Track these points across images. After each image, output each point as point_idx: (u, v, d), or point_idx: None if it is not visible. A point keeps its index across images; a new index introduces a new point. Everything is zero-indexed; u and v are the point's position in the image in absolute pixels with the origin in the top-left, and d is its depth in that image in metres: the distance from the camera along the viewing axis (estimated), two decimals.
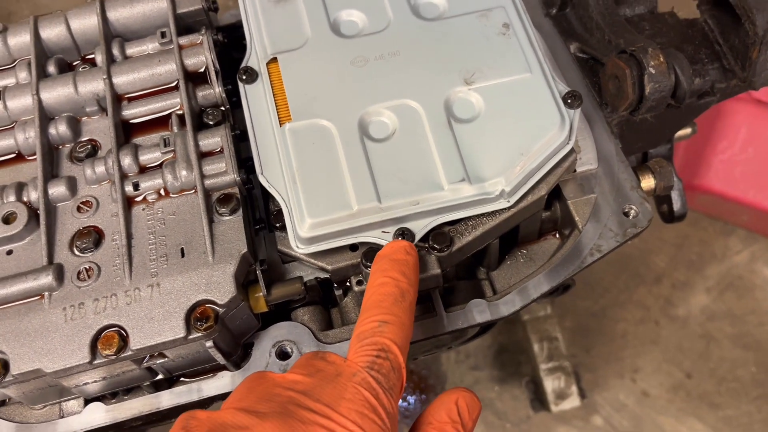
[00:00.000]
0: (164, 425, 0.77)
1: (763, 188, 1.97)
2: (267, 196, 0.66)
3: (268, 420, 0.43)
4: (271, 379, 0.48)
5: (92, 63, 0.70)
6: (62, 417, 0.61)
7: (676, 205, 0.91)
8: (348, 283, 0.64)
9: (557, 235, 0.72)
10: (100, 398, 0.62)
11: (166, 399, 0.61)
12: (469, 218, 0.62)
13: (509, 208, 0.62)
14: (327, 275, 0.63)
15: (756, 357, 2.02)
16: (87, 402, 0.62)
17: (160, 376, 0.61)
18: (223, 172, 0.62)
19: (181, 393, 0.61)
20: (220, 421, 0.44)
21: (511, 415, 1.92)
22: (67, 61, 0.71)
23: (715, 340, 2.06)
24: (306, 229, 0.59)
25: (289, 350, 0.62)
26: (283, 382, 0.48)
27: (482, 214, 0.62)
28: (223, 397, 0.61)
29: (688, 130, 0.92)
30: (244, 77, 0.66)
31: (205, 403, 0.62)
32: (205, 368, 0.62)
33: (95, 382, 0.58)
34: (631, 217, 0.66)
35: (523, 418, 1.94)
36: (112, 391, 0.61)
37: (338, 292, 0.65)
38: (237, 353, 0.62)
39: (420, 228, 0.60)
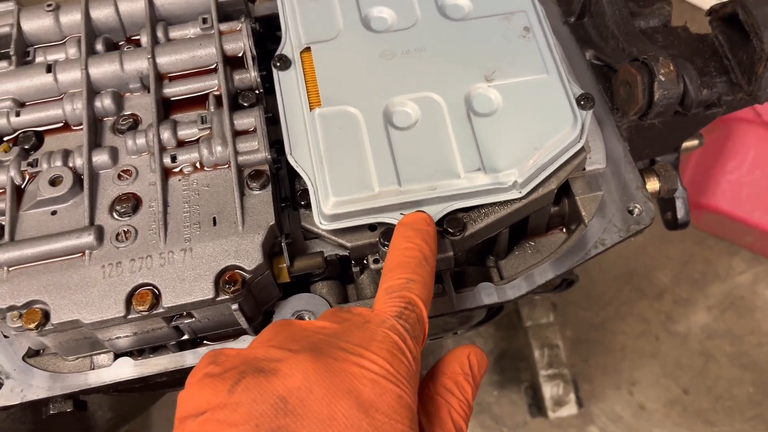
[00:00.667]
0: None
1: None
2: (293, 177, 0.71)
3: (301, 354, 0.47)
4: (298, 324, 0.52)
5: (136, 44, 0.75)
6: (93, 369, 0.66)
7: (680, 213, 0.95)
8: (365, 261, 0.68)
9: (564, 230, 0.76)
10: (128, 354, 0.66)
11: (190, 358, 0.65)
12: (482, 206, 0.66)
13: (520, 198, 0.66)
14: (346, 252, 0.67)
15: (753, 377, 2.04)
16: (116, 357, 0.66)
17: (185, 336, 0.65)
18: (255, 150, 0.66)
19: (204, 353, 0.66)
20: (251, 356, 0.48)
21: (508, 419, 1.95)
22: (113, 41, 0.75)
23: (714, 358, 2.08)
24: (330, 207, 0.63)
25: (307, 319, 0.66)
26: (311, 326, 0.51)
27: (495, 203, 0.66)
28: None
29: (695, 142, 0.96)
30: (278, 64, 0.71)
31: None
32: (227, 332, 0.67)
33: (126, 337, 0.63)
34: (635, 214, 0.70)
35: (520, 423, 1.97)
36: (140, 347, 0.66)
37: (355, 269, 0.70)
38: (258, 319, 0.66)
39: (436, 212, 0.64)
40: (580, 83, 0.77)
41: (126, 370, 0.65)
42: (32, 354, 0.66)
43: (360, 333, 0.49)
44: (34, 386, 0.64)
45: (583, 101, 0.68)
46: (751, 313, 2.16)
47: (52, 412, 0.65)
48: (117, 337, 0.62)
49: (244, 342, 0.66)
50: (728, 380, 2.05)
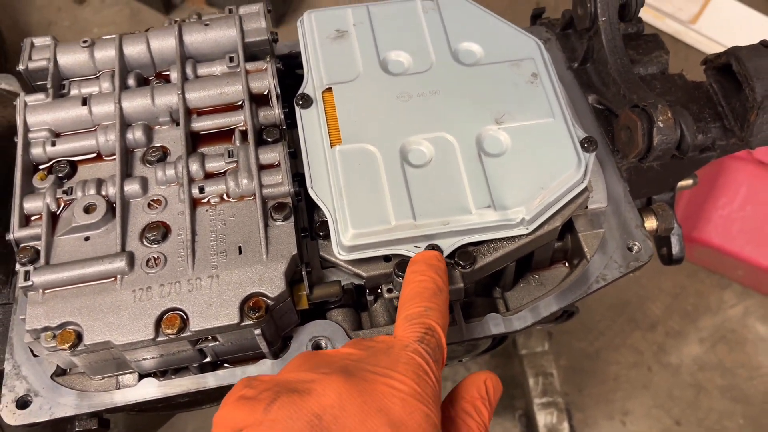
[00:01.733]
0: (202, 409, 0.84)
1: (759, 245, 2.05)
2: (312, 208, 0.75)
3: (333, 375, 0.50)
4: (324, 353, 0.55)
5: (166, 79, 0.79)
6: (118, 388, 0.69)
7: (675, 249, 0.99)
8: (379, 291, 0.72)
9: (566, 264, 0.80)
10: (152, 375, 0.69)
11: (212, 380, 0.69)
12: (491, 241, 0.70)
13: (527, 234, 0.70)
14: (361, 282, 0.71)
15: (744, 410, 2.07)
16: (141, 377, 0.69)
17: (208, 359, 0.68)
18: (279, 184, 0.70)
19: (225, 375, 0.69)
20: (284, 379, 0.51)
21: None
22: (144, 76, 0.80)
23: (705, 390, 2.12)
24: (349, 238, 0.67)
25: (324, 345, 0.69)
26: (337, 354, 0.55)
27: (503, 238, 0.70)
28: None
29: (689, 181, 1.01)
30: (300, 102, 0.75)
31: None
32: (248, 355, 0.70)
33: (153, 358, 0.66)
34: (634, 252, 0.74)
35: None
36: (164, 369, 0.69)
37: (369, 298, 0.73)
38: (278, 344, 0.69)
39: (448, 246, 0.68)
40: (583, 126, 0.81)
41: (150, 390, 0.68)
42: (60, 373, 0.69)
43: (385, 357, 0.53)
44: (62, 404, 0.67)
45: (587, 144, 0.72)
46: (742, 347, 2.20)
47: (77, 429, 0.68)
48: (144, 359, 0.66)
49: (263, 365, 0.69)
50: (719, 412, 2.08)
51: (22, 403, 0.67)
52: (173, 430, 2.05)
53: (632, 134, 0.76)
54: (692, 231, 2.11)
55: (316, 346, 0.70)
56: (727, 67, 0.81)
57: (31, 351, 0.70)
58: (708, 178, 2.12)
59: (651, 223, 0.78)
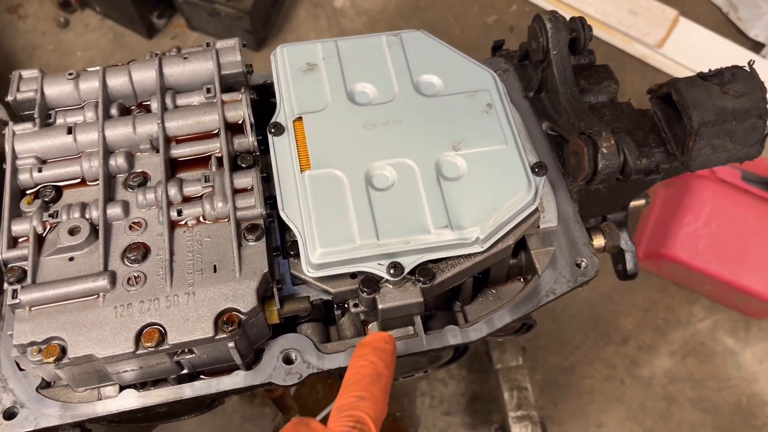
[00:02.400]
0: (180, 420, 0.88)
1: (724, 260, 2.12)
2: (283, 229, 0.80)
3: None
4: None
5: (147, 109, 0.85)
6: (100, 399, 0.73)
7: (629, 265, 1.06)
8: (346, 305, 0.77)
9: (521, 280, 0.86)
10: (132, 387, 0.74)
11: (189, 390, 0.73)
12: (449, 258, 0.76)
13: (482, 252, 0.76)
14: (329, 297, 0.76)
15: (714, 421, 2.14)
16: (122, 389, 0.74)
17: (185, 371, 0.73)
18: (252, 207, 0.75)
19: (201, 386, 0.74)
20: None
21: None
22: (125, 106, 0.85)
23: (677, 402, 2.18)
24: (317, 257, 0.72)
25: (294, 357, 0.74)
26: None
27: (460, 256, 0.76)
28: (236, 392, 0.74)
29: (641, 201, 1.07)
30: (273, 130, 0.81)
31: (221, 396, 0.74)
32: (222, 367, 0.75)
33: (133, 370, 0.70)
34: (581, 267, 0.81)
35: None
36: (144, 380, 0.73)
37: (337, 312, 0.79)
38: (250, 357, 0.74)
39: (409, 263, 0.74)
40: (537, 151, 0.88)
41: (130, 401, 0.73)
42: (45, 386, 0.74)
43: None
44: (47, 415, 0.71)
45: (537, 169, 0.79)
46: (711, 359, 2.26)
47: None
48: (124, 371, 0.70)
49: (237, 377, 0.74)
50: (690, 424, 2.13)
51: (9, 415, 0.71)
52: None
53: (580, 159, 0.82)
54: (660, 248, 2.18)
55: (287, 359, 0.75)
56: (669, 96, 0.88)
57: (18, 365, 0.74)
58: (674, 197, 2.20)
59: (599, 241, 0.85)
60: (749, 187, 2.11)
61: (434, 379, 2.20)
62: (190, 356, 0.71)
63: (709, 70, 0.87)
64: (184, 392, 0.73)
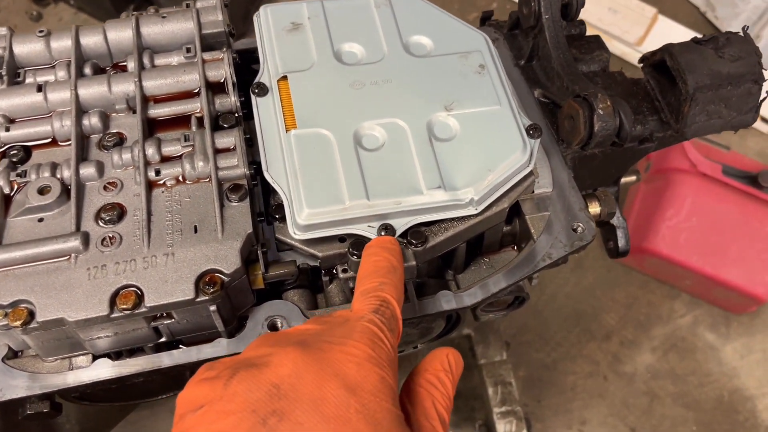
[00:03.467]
0: (157, 400, 0.84)
1: (705, 254, 2.12)
2: (267, 194, 0.76)
3: (289, 347, 0.51)
4: (283, 331, 0.57)
5: (123, 69, 0.80)
6: (71, 369, 0.68)
7: (621, 242, 1.03)
8: (334, 271, 0.73)
9: (515, 248, 0.83)
10: (106, 357, 0.69)
11: (167, 359, 0.69)
12: (442, 221, 0.73)
13: (476, 215, 0.73)
14: (317, 263, 0.73)
15: (696, 416, 2.13)
16: (95, 359, 0.69)
17: (163, 339, 0.69)
18: (234, 166, 0.72)
19: (180, 355, 0.69)
20: (242, 357, 0.52)
21: None
22: (100, 66, 0.81)
23: (659, 397, 2.17)
24: (304, 218, 0.69)
25: (280, 324, 0.70)
26: (295, 330, 0.56)
27: (453, 219, 0.73)
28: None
29: (632, 177, 1.05)
30: (256, 91, 0.77)
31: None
32: (203, 335, 0.70)
33: (107, 337, 0.66)
34: (578, 232, 0.78)
35: None
36: (119, 349, 0.69)
37: (325, 279, 0.75)
38: (233, 324, 0.70)
39: (400, 225, 0.70)
40: (530, 117, 0.85)
41: (104, 370, 0.68)
42: (11, 356, 0.69)
43: (341, 329, 0.54)
44: (13, 386, 0.66)
45: (532, 131, 0.76)
46: (692, 354, 2.26)
47: (29, 412, 0.67)
48: (98, 337, 0.66)
49: (218, 345, 0.70)
50: (672, 419, 2.13)
51: None
52: None
53: (575, 122, 0.80)
54: (642, 242, 2.17)
55: (272, 326, 0.70)
56: (662, 63, 0.87)
57: None
58: (655, 191, 2.20)
59: (594, 208, 0.82)
60: (730, 181, 2.12)
61: (412, 351, 2.16)
62: (168, 321, 0.66)
63: (704, 36, 0.86)
64: (162, 361, 0.69)
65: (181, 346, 0.72)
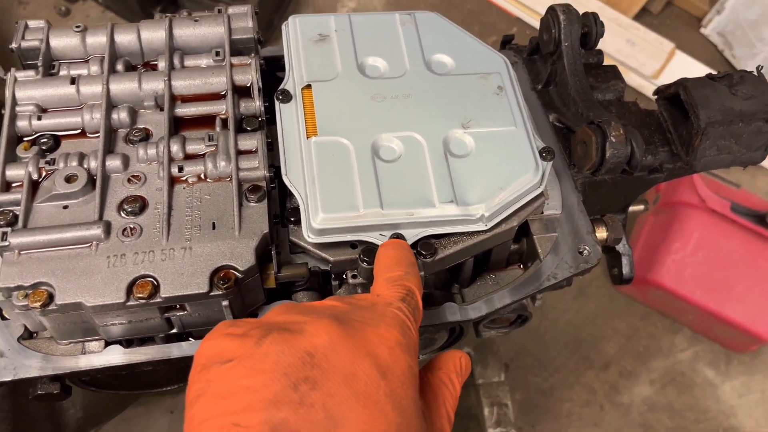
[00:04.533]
0: (163, 392, 0.85)
1: (709, 290, 2.13)
2: (284, 197, 0.79)
3: (325, 318, 0.51)
4: (307, 303, 0.57)
5: (153, 68, 0.83)
6: (84, 353, 0.70)
7: (625, 270, 1.05)
8: (344, 276, 0.75)
9: (521, 266, 0.85)
10: (118, 343, 0.71)
11: (176, 350, 0.71)
12: (451, 235, 0.75)
13: (485, 231, 0.74)
14: (327, 267, 0.75)
15: None
16: (107, 345, 0.71)
17: (174, 330, 0.71)
18: (255, 168, 0.74)
19: (189, 347, 0.71)
20: (272, 320, 0.52)
21: None
22: (132, 63, 0.83)
23: (654, 430, 2.17)
24: (318, 222, 0.71)
25: None
26: (321, 304, 0.56)
27: (463, 233, 0.75)
28: None
29: (641, 206, 1.07)
30: (280, 97, 0.80)
31: None
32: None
33: (121, 324, 0.68)
34: (584, 255, 0.80)
35: None
36: (131, 337, 0.71)
37: (334, 284, 0.77)
38: None
39: (411, 236, 0.72)
40: (544, 140, 0.87)
41: (116, 356, 0.70)
42: (26, 337, 0.71)
43: (370, 312, 0.55)
44: (27, 365, 0.68)
45: (545, 153, 0.78)
46: (691, 390, 2.26)
47: (39, 392, 0.69)
48: (112, 324, 0.68)
49: None
50: None
51: None
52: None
53: (587, 148, 0.82)
54: (647, 274, 2.18)
55: None
56: (676, 96, 0.89)
57: (0, 315, 0.71)
58: (663, 224, 2.21)
59: (601, 233, 0.84)
60: (738, 218, 2.13)
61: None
62: (181, 313, 0.68)
63: (718, 72, 0.88)
64: (172, 352, 0.71)
65: (190, 338, 0.74)
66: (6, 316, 0.70)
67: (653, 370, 2.30)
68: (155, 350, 0.71)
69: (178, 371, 0.79)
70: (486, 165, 0.76)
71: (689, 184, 2.15)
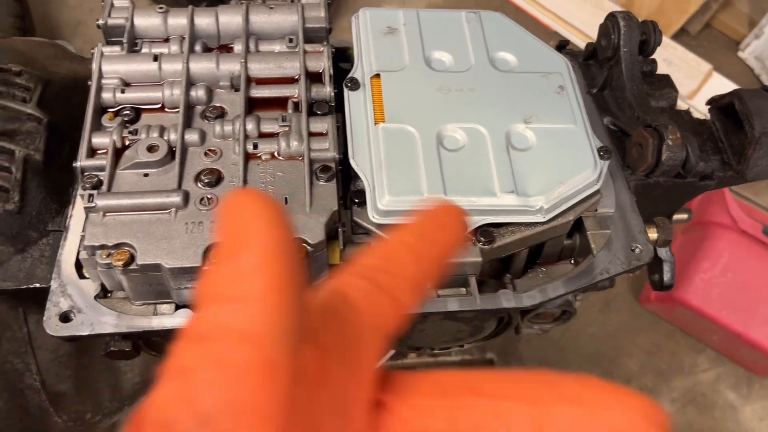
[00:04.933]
0: None
1: (736, 311, 2.12)
2: (348, 181, 0.82)
3: None
4: None
5: (229, 51, 0.87)
6: (155, 315, 0.74)
7: (666, 276, 1.07)
8: None
9: (572, 262, 0.87)
10: (187, 308, 0.75)
11: None
12: (509, 225, 0.78)
13: (543, 223, 0.77)
14: None
15: None
16: (177, 308, 0.74)
17: None
18: (326, 149, 0.77)
19: None
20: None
21: None
22: (208, 46, 0.87)
23: None
24: (384, 203, 0.74)
25: None
26: None
27: (521, 224, 0.77)
28: None
29: (684, 216, 1.09)
30: (349, 85, 0.83)
31: None
32: None
33: (193, 288, 0.71)
34: (636, 252, 0.82)
35: None
36: None
37: None
38: None
39: (472, 222, 0.75)
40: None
41: (186, 320, 0.73)
42: (101, 296, 0.75)
43: None
44: (103, 322, 0.72)
45: (603, 152, 0.81)
46: (711, 411, 2.25)
47: (112, 348, 0.73)
48: (185, 288, 0.71)
49: None
50: None
51: (65, 318, 0.72)
52: None
53: (643, 150, 0.84)
54: (674, 291, 2.18)
55: None
56: (730, 106, 0.91)
57: (78, 274, 0.75)
58: (693, 241, 2.21)
59: (652, 234, 0.86)
60: None
61: (458, 350, 2.18)
62: None
63: None
64: None
65: None
66: (86, 275, 0.74)
67: (674, 389, 2.30)
68: None
69: None
70: (546, 160, 0.79)
71: (721, 204, 2.16)
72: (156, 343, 0.82)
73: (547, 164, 0.78)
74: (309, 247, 0.71)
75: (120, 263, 0.68)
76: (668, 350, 2.35)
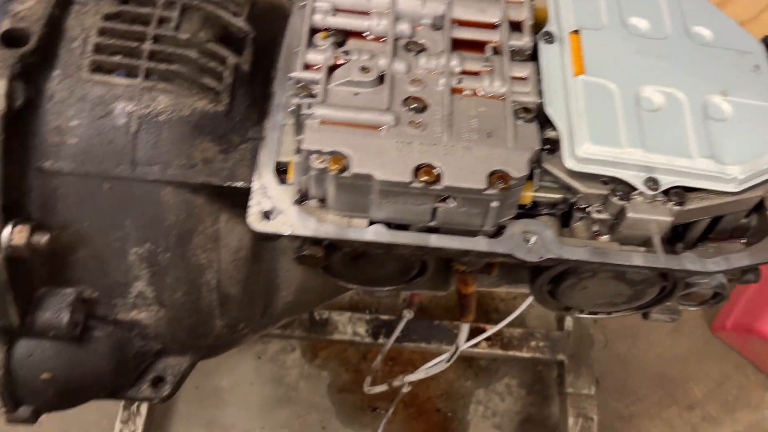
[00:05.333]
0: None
1: None
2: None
3: None
4: None
5: None
6: (349, 227, 0.76)
7: None
8: (587, 210, 0.79)
9: (743, 242, 0.87)
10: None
11: (434, 239, 0.76)
12: (699, 191, 0.78)
13: (733, 194, 0.78)
14: (575, 198, 0.79)
15: None
16: (370, 224, 0.77)
17: (433, 223, 0.76)
18: (527, 93, 0.79)
19: (447, 240, 0.76)
20: None
21: None
22: None
23: None
24: (583, 151, 0.75)
25: (535, 239, 0.77)
26: None
27: (710, 192, 0.78)
28: (476, 255, 0.76)
29: None
30: (545, 38, 0.85)
31: (463, 254, 0.77)
32: (463, 232, 0.77)
33: (394, 204, 0.74)
34: None
35: None
36: (394, 221, 0.76)
37: (575, 216, 0.81)
38: (494, 229, 0.77)
39: (665, 182, 0.76)
40: None
41: (381, 234, 0.75)
42: (299, 202, 0.77)
43: None
44: (305, 225, 0.75)
45: None
46: None
47: (305, 252, 0.76)
48: (386, 202, 0.73)
49: (479, 241, 0.77)
50: None
51: (266, 216, 0.75)
52: (209, 379, 2.10)
53: None
54: (753, 321, 2.14)
55: (526, 239, 0.77)
56: None
57: (278, 178, 0.78)
58: None
59: None
60: None
61: (492, 392, 2.19)
62: (451, 206, 0.73)
63: None
64: (430, 240, 0.76)
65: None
66: (289, 180, 0.77)
67: (738, 422, 2.25)
68: (415, 236, 0.76)
69: (406, 268, 0.85)
70: (743, 133, 0.79)
71: None
72: (332, 264, 0.84)
73: (743, 137, 0.79)
74: (513, 180, 0.72)
75: (336, 169, 0.70)
76: (737, 382, 2.31)
